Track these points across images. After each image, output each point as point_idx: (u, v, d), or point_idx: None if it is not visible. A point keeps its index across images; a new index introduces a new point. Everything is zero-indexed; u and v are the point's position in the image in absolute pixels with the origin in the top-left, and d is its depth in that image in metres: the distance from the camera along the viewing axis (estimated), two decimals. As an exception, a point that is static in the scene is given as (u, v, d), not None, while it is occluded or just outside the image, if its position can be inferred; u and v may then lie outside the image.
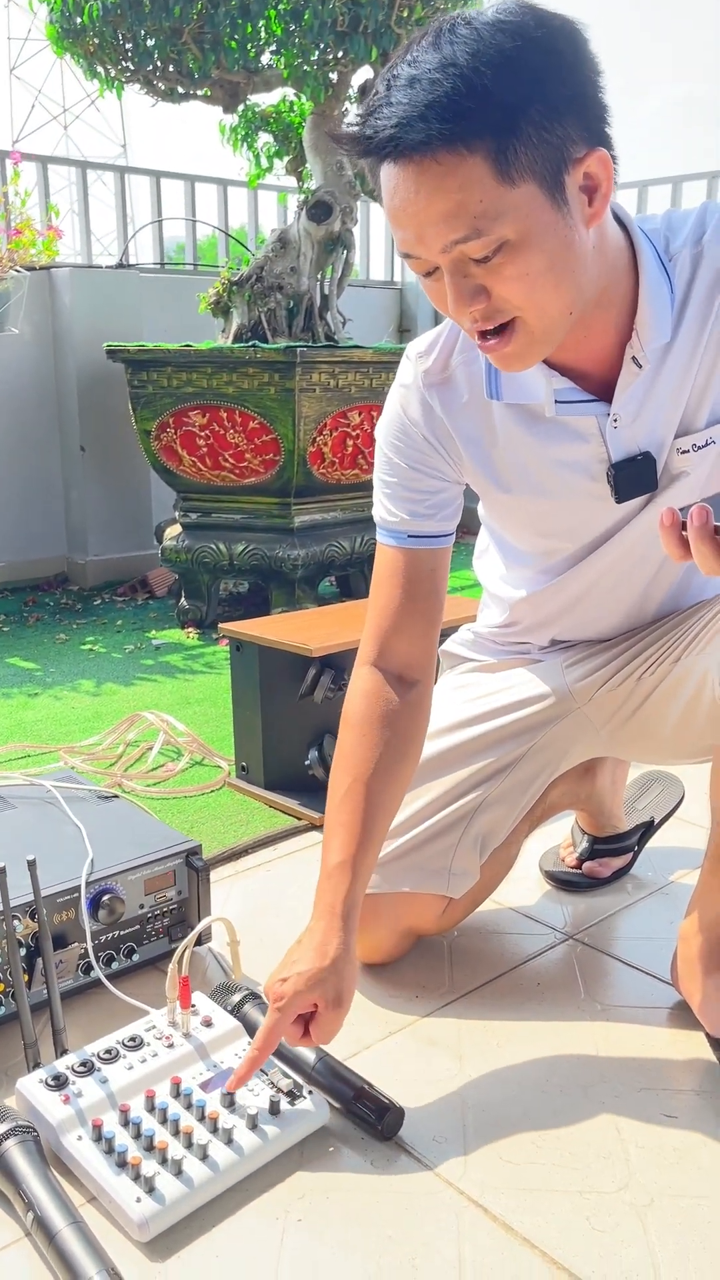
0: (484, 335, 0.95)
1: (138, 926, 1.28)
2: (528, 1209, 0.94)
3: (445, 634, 1.34)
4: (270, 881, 1.58)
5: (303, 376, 2.92)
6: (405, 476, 1.17)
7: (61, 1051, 1.08)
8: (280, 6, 2.96)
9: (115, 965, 1.27)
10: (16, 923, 1.12)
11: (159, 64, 3.22)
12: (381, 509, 1.20)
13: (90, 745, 2.15)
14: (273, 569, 3.10)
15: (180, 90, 3.35)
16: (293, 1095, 1.03)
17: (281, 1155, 1.00)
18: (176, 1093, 1.02)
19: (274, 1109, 1.01)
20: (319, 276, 3.34)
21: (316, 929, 1.07)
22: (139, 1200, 0.91)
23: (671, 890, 1.53)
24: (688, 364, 1.04)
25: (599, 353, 1.04)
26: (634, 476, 1.09)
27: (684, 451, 1.08)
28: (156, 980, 1.29)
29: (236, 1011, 1.15)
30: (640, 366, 1.02)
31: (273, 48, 3.12)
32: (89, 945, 1.21)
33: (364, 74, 3.29)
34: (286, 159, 3.83)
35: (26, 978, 1.15)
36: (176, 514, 3.28)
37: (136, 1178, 0.93)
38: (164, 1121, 0.99)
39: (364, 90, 3.29)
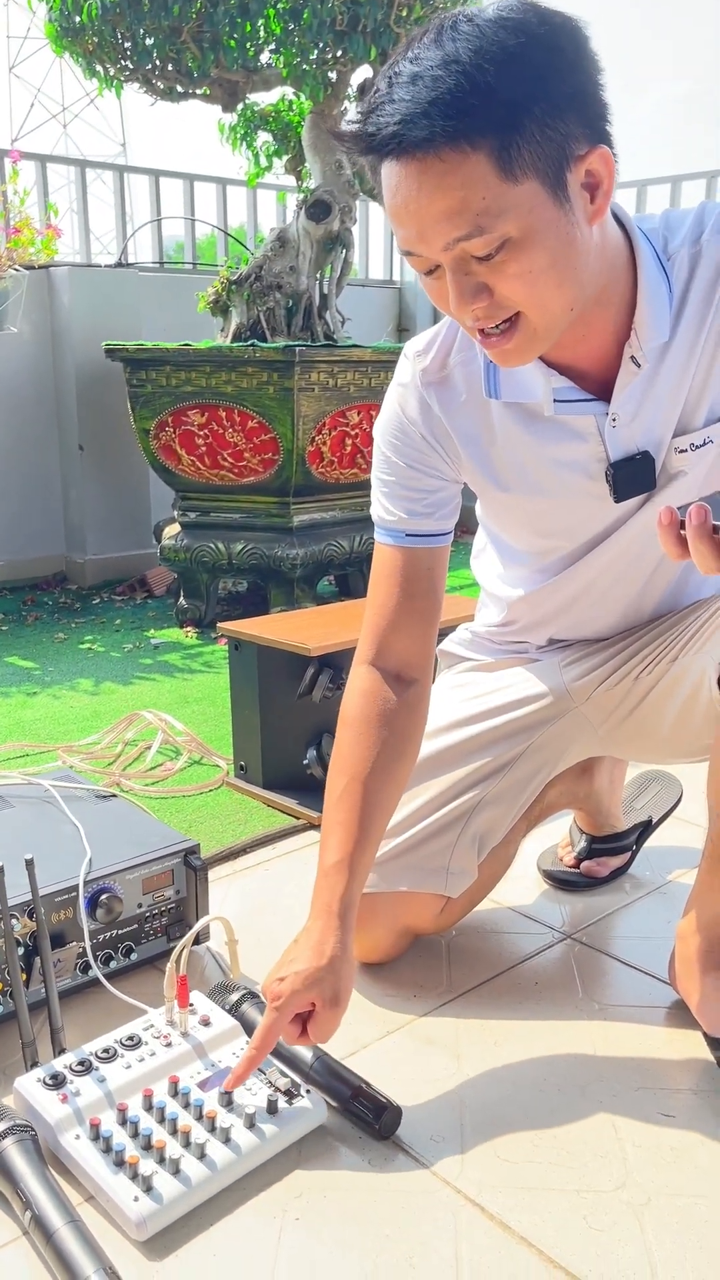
0: (484, 332, 0.95)
1: (136, 925, 1.28)
2: (525, 1208, 0.94)
3: (443, 633, 1.34)
4: (268, 881, 1.58)
5: (301, 376, 2.92)
6: (403, 475, 1.17)
7: (59, 1050, 1.08)
8: (279, 5, 2.96)
9: (113, 964, 1.27)
10: (15, 922, 1.12)
11: (158, 63, 3.22)
12: (379, 508, 1.20)
13: (89, 744, 2.15)
14: (271, 568, 3.10)
15: (179, 89, 3.35)
16: (290, 1094, 1.03)
17: (279, 1154, 1.00)
18: (174, 1092, 1.02)
19: (272, 1108, 1.01)
20: (318, 275, 3.34)
21: (314, 928, 1.07)
22: (137, 1199, 0.91)
23: (669, 889, 1.53)
24: (686, 363, 1.04)
25: (597, 352, 1.04)
26: (632, 476, 1.09)
27: (682, 451, 1.08)
28: (154, 979, 1.29)
29: (234, 1010, 1.15)
30: (639, 366, 1.02)
31: (272, 47, 3.12)
32: (87, 944, 1.21)
33: (363, 73, 3.29)
34: (285, 158, 3.83)
35: (25, 977, 1.15)
36: (175, 513, 3.28)
37: (134, 1177, 0.93)
38: (162, 1120, 0.99)
39: (363, 89, 3.29)
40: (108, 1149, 0.95)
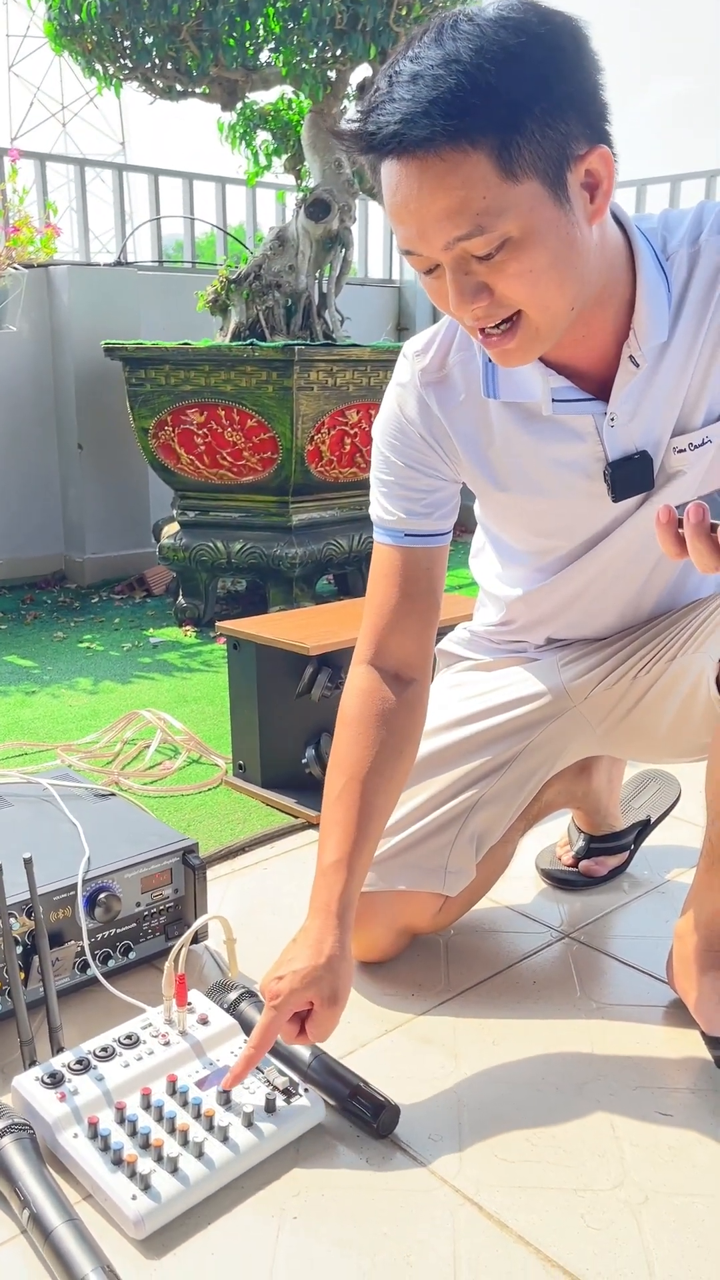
0: (485, 331, 0.95)
1: (134, 924, 1.28)
2: (523, 1206, 0.94)
3: (441, 632, 1.34)
4: (267, 880, 1.58)
5: (301, 375, 2.92)
6: (402, 475, 1.17)
7: (58, 1049, 1.08)
8: (279, 4, 2.96)
9: (112, 963, 1.27)
10: (13, 921, 1.12)
11: (157, 61, 3.22)
12: (378, 508, 1.20)
13: (87, 743, 2.15)
14: (270, 567, 3.10)
15: (179, 88, 3.35)
16: (288, 1093, 1.03)
17: (277, 1153, 1.00)
18: (172, 1090, 1.02)
19: (270, 1107, 1.01)
20: (317, 275, 3.34)
21: (312, 927, 1.07)
22: (135, 1198, 0.91)
23: (667, 889, 1.53)
24: (684, 363, 1.04)
25: (596, 352, 1.04)
26: (630, 475, 1.09)
27: (680, 450, 1.08)
28: (153, 978, 1.29)
29: (233, 1009, 1.15)
30: (637, 365, 1.02)
31: (271, 45, 3.12)
32: (85, 943, 1.21)
33: (362, 72, 3.30)
34: (285, 157, 3.83)
35: (23, 975, 1.15)
36: (174, 512, 3.28)
37: (132, 1175, 0.93)
38: (160, 1119, 0.99)
39: (362, 88, 3.29)
40: (106, 1147, 0.95)
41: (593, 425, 1.08)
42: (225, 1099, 1.02)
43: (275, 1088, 1.03)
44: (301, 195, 3.31)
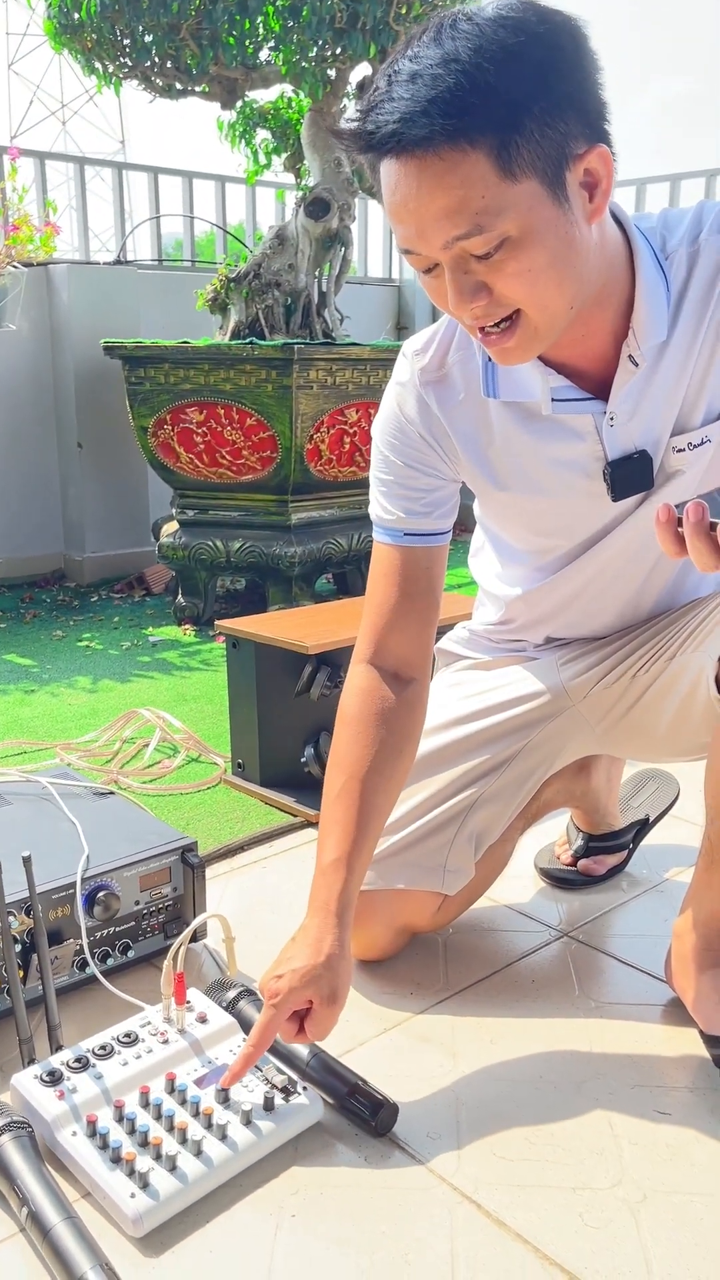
0: (484, 329, 0.95)
1: (133, 923, 1.28)
2: (521, 1205, 0.94)
3: (441, 631, 1.34)
4: (265, 878, 1.58)
5: (300, 373, 2.92)
6: (401, 474, 1.17)
7: (57, 1047, 1.08)
8: (278, 3, 2.95)
9: (110, 961, 1.27)
10: (12, 919, 1.12)
11: (157, 60, 3.22)
12: (378, 507, 1.20)
13: (86, 742, 2.15)
14: (270, 566, 3.10)
15: (178, 86, 3.35)
16: (287, 1091, 1.03)
17: (276, 1151, 1.00)
18: (171, 1088, 1.02)
19: (268, 1105, 1.01)
20: (316, 273, 3.34)
21: (311, 926, 1.07)
22: (133, 1196, 0.91)
23: (666, 888, 1.53)
24: (683, 362, 1.04)
25: (596, 351, 1.04)
26: (630, 475, 1.09)
27: (680, 450, 1.08)
28: (152, 976, 1.29)
29: (231, 1008, 1.15)
30: (636, 365, 1.02)
31: (271, 44, 3.12)
32: (84, 941, 1.21)
33: (362, 71, 3.29)
34: (284, 156, 3.83)
35: (22, 974, 1.15)
36: (174, 511, 3.28)
37: (131, 1173, 0.93)
38: (158, 1117, 0.99)
39: (362, 87, 3.29)
40: (104, 1145, 0.95)
41: (592, 424, 1.08)
42: (224, 1097, 1.02)
43: (274, 1086, 1.03)
44: (301, 194, 3.31)
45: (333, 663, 1.81)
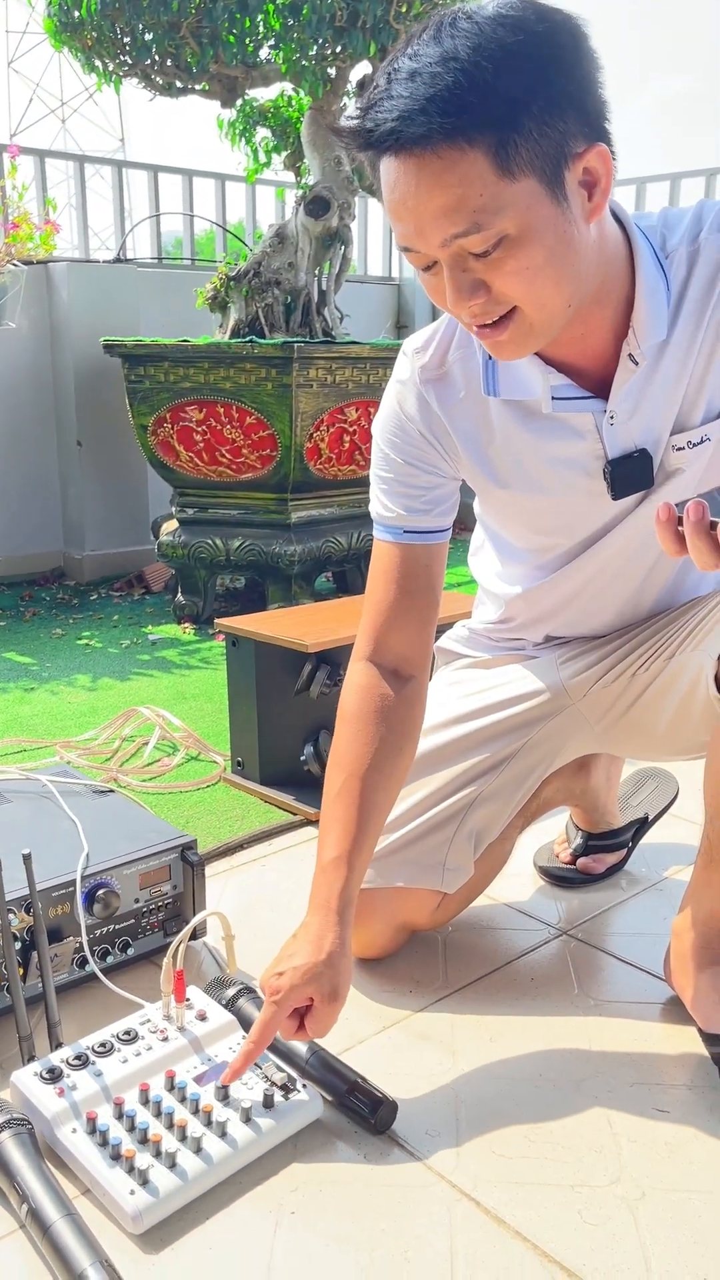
0: (482, 325, 0.95)
1: (133, 921, 1.29)
2: (520, 1202, 0.94)
3: (440, 630, 1.34)
4: (265, 876, 1.58)
5: (300, 372, 2.92)
6: (402, 472, 1.17)
7: (56, 1045, 1.08)
8: (279, 1, 2.95)
9: (110, 959, 1.27)
10: (12, 916, 1.12)
11: (157, 58, 3.21)
12: (378, 504, 1.20)
13: (86, 740, 2.15)
14: (269, 564, 3.10)
15: (178, 84, 3.34)
16: (286, 1089, 1.03)
17: (275, 1148, 1.00)
18: (171, 1086, 1.02)
19: (268, 1102, 1.01)
20: (316, 272, 3.34)
21: (312, 923, 1.07)
22: (133, 1193, 0.91)
23: (665, 886, 1.54)
24: (683, 361, 1.04)
25: (596, 350, 1.04)
26: (630, 473, 1.10)
27: (679, 448, 1.08)
28: (151, 974, 1.29)
29: (231, 1005, 1.16)
30: (636, 364, 1.02)
31: (271, 42, 3.12)
32: (84, 939, 1.22)
33: (362, 69, 3.29)
34: (284, 154, 3.82)
35: (21, 971, 1.16)
36: (173, 509, 3.28)
37: (130, 1170, 0.93)
38: (158, 1114, 0.99)
39: (362, 85, 3.28)
40: (104, 1142, 0.96)
41: (592, 423, 1.08)
42: (223, 1094, 1.02)
43: (273, 1083, 1.03)
44: (301, 192, 3.31)
45: (332, 661, 1.81)
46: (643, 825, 1.60)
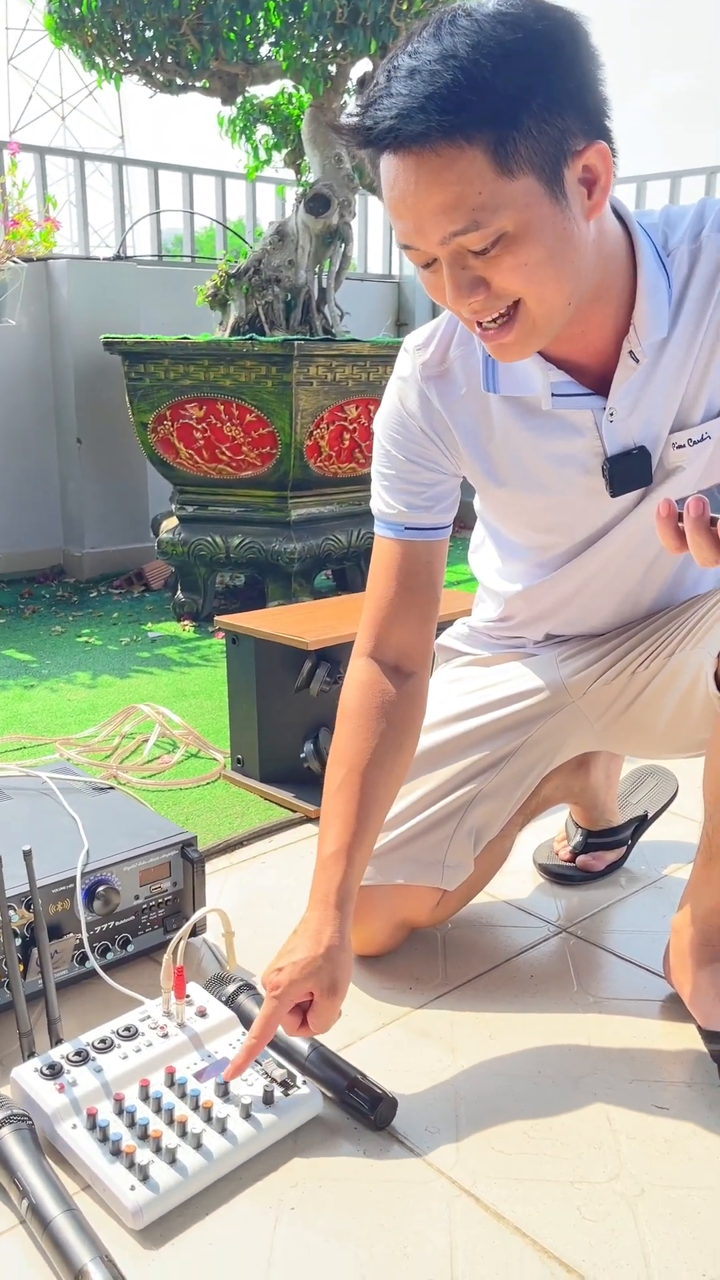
0: (482, 325, 0.95)
1: (133, 917, 1.29)
2: (519, 1198, 0.95)
3: (440, 628, 1.34)
4: (265, 873, 1.58)
5: (300, 370, 2.91)
6: (403, 469, 1.17)
7: (56, 1041, 1.08)
8: (279, -2, 2.95)
9: (110, 956, 1.27)
10: (12, 913, 1.13)
11: (157, 55, 3.21)
12: (379, 501, 1.20)
13: (86, 737, 2.15)
14: (269, 562, 3.10)
15: (179, 82, 3.34)
16: (286, 1085, 1.03)
17: (275, 1144, 1.00)
18: (171, 1082, 1.03)
19: (268, 1098, 1.01)
20: (316, 270, 3.34)
21: (311, 918, 1.07)
22: (133, 1188, 0.91)
23: (664, 884, 1.54)
24: (684, 359, 1.04)
25: (596, 347, 1.04)
26: (629, 471, 1.10)
27: (679, 446, 1.08)
28: (151, 971, 1.29)
29: (231, 1002, 1.16)
30: (637, 361, 1.03)
31: (271, 40, 3.11)
32: (84, 936, 1.22)
33: (363, 67, 3.29)
34: (285, 151, 3.82)
35: (22, 968, 1.16)
36: (173, 507, 3.28)
37: (130, 1166, 0.93)
38: (158, 1110, 0.99)
39: (363, 83, 3.28)
40: (104, 1138, 0.96)
41: (592, 420, 1.08)
42: (223, 1091, 1.02)
43: (273, 1080, 1.04)
44: (301, 190, 3.31)
45: (332, 658, 1.81)
46: (642, 823, 1.60)
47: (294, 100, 3.71)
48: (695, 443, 1.08)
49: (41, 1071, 1.02)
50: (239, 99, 3.55)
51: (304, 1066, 1.07)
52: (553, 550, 1.23)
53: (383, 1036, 1.18)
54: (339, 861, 1.10)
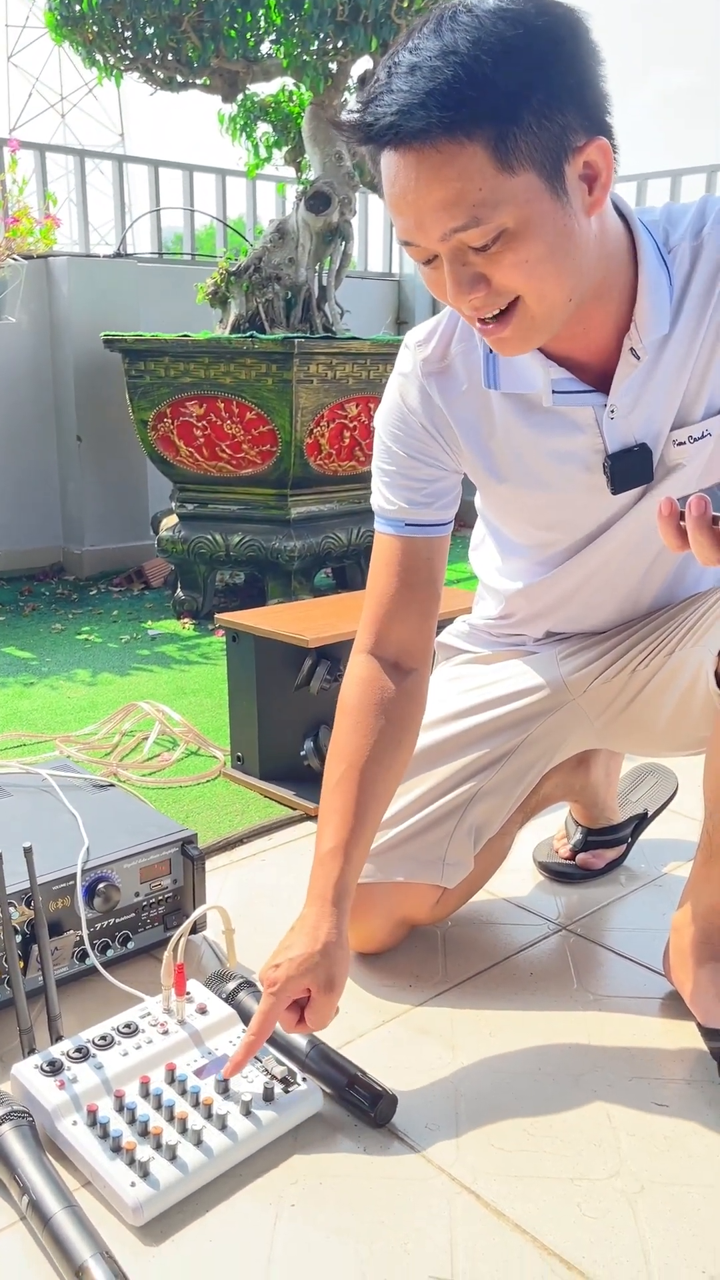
0: (483, 320, 0.95)
1: (133, 914, 1.29)
2: (519, 1195, 0.95)
3: (440, 626, 1.34)
4: (265, 871, 1.58)
5: (300, 368, 2.91)
6: (404, 465, 1.17)
7: (57, 1038, 1.08)
8: (280, -5, 2.95)
9: (110, 953, 1.27)
10: (12, 910, 1.13)
11: (158, 52, 3.21)
12: (380, 497, 1.20)
13: (86, 735, 2.15)
14: (269, 560, 3.09)
15: (179, 79, 3.34)
16: (287, 1082, 1.03)
17: (275, 1141, 1.00)
18: (171, 1079, 1.03)
19: (268, 1095, 1.01)
20: (317, 268, 3.33)
21: (308, 915, 1.07)
22: (133, 1185, 0.91)
23: (664, 882, 1.54)
24: (685, 356, 1.04)
25: (597, 344, 1.04)
26: (630, 468, 1.10)
27: (680, 443, 1.08)
28: (152, 968, 1.29)
29: (231, 999, 1.16)
30: (638, 358, 1.02)
31: (272, 37, 3.11)
32: (84, 933, 1.22)
33: (363, 64, 3.29)
34: (285, 149, 3.82)
35: (22, 965, 1.16)
36: (173, 504, 3.28)
37: (131, 1162, 0.93)
38: (158, 1107, 0.99)
39: (363, 80, 3.28)
40: (105, 1135, 0.96)
41: (593, 417, 1.08)
42: (223, 1087, 1.02)
43: (273, 1076, 1.04)
44: (302, 188, 3.30)
45: (332, 656, 1.81)
46: (642, 821, 1.60)
47: (294, 98, 3.70)
48: (696, 440, 1.08)
49: (42, 1068, 1.02)
50: (239, 96, 3.55)
51: (304, 1063, 1.07)
52: (553, 548, 1.23)
53: (383, 1034, 1.18)
54: (336, 858, 1.10)
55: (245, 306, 3.26)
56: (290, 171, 4.08)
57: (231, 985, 1.17)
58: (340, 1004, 1.06)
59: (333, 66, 3.19)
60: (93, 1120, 0.97)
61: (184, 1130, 0.97)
